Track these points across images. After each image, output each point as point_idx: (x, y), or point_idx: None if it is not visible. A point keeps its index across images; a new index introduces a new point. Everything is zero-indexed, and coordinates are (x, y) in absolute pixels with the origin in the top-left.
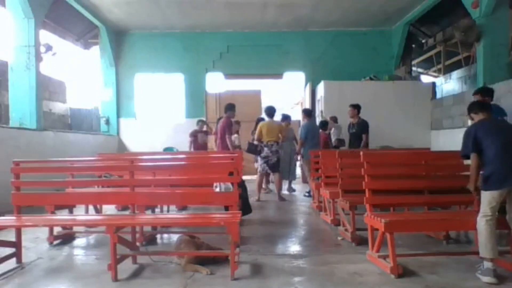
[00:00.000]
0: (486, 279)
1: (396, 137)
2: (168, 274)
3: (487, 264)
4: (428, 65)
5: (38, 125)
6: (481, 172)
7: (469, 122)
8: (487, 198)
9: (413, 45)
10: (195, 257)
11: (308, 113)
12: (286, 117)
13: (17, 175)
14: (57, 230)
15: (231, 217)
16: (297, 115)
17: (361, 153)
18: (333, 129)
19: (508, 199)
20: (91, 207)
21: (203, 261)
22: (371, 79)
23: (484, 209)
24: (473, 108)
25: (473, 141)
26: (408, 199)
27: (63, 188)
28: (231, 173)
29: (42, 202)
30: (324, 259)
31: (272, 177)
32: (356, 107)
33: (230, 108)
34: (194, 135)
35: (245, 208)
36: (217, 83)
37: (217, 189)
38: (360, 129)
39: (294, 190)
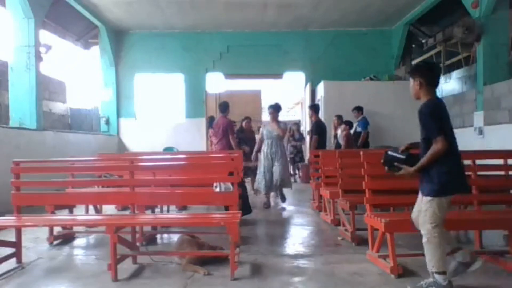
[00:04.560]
0: None
1: (396, 137)
2: (168, 274)
3: (441, 278)
4: None
5: (38, 125)
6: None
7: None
8: (445, 204)
9: (413, 45)
10: (196, 257)
11: (317, 109)
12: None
13: (17, 175)
14: (57, 230)
15: (231, 217)
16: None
17: (361, 153)
18: (339, 129)
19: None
20: (91, 207)
21: (204, 261)
22: (371, 79)
23: (439, 218)
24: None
25: (441, 120)
26: (408, 199)
27: (63, 188)
28: (231, 173)
29: (42, 202)
30: (324, 259)
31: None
32: (358, 109)
33: (227, 107)
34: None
35: (245, 208)
36: (217, 83)
37: (217, 189)
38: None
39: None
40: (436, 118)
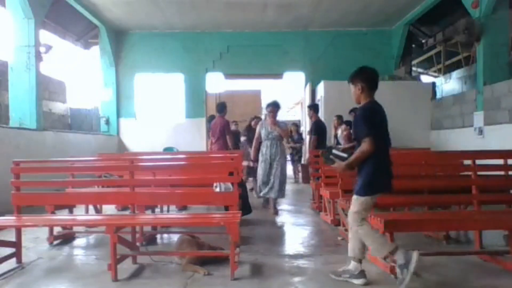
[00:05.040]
0: (358, 281)
1: (396, 137)
2: (168, 274)
3: (356, 266)
4: (428, 65)
5: (38, 125)
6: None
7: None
8: (369, 203)
9: (413, 45)
10: (196, 257)
11: (317, 109)
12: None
13: (17, 175)
14: (57, 230)
15: (231, 217)
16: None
17: None
18: (340, 129)
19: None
20: (91, 207)
21: (204, 261)
22: None
23: (363, 215)
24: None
25: (372, 123)
26: (408, 199)
27: (63, 188)
28: (231, 173)
29: (42, 202)
30: (324, 259)
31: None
32: (354, 111)
33: (224, 107)
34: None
35: (245, 208)
36: (217, 83)
37: (217, 189)
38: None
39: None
40: (367, 120)
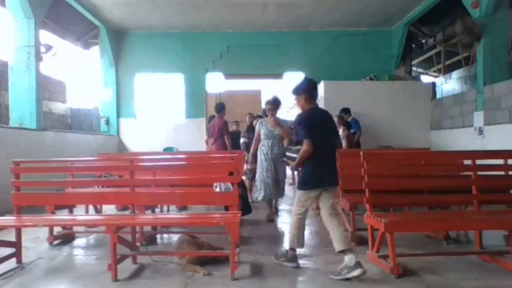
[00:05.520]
0: (291, 264)
1: (396, 137)
2: (168, 274)
3: (290, 253)
4: (428, 65)
5: (38, 125)
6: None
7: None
8: (304, 197)
9: (413, 45)
10: (196, 257)
11: None
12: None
13: (17, 175)
14: (57, 230)
15: (231, 217)
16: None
17: (361, 153)
18: (341, 129)
19: (321, 198)
20: (91, 207)
21: (204, 261)
22: (371, 79)
23: (299, 207)
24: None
25: (308, 128)
26: (408, 199)
27: (63, 188)
28: (231, 173)
29: (42, 202)
30: (324, 259)
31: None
32: (345, 111)
33: (223, 107)
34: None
35: (245, 208)
36: (217, 83)
37: (217, 189)
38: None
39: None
40: (305, 125)
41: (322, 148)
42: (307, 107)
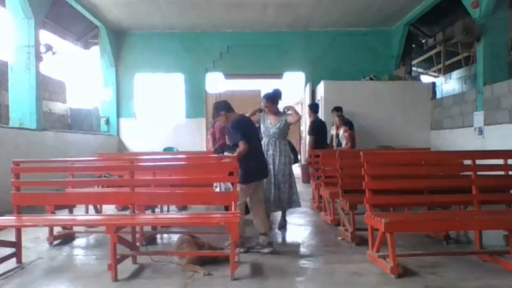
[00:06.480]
0: (267, 250)
1: (396, 137)
2: (168, 274)
3: (265, 239)
4: (428, 65)
5: (38, 125)
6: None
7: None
8: (245, 190)
9: (413, 45)
10: (196, 257)
11: (315, 109)
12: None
13: (17, 175)
14: (57, 230)
15: (231, 217)
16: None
17: (361, 153)
18: (341, 130)
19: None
20: (91, 207)
21: (204, 261)
22: (371, 79)
23: (242, 198)
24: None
25: (242, 131)
26: (408, 199)
27: (63, 188)
28: (231, 173)
29: (42, 202)
30: (324, 259)
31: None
32: (337, 109)
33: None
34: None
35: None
36: (217, 83)
37: (217, 189)
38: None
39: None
40: (238, 129)
41: (255, 148)
42: (234, 118)
